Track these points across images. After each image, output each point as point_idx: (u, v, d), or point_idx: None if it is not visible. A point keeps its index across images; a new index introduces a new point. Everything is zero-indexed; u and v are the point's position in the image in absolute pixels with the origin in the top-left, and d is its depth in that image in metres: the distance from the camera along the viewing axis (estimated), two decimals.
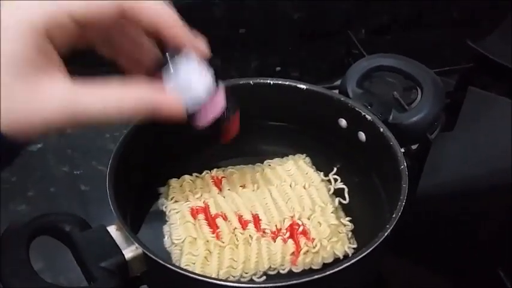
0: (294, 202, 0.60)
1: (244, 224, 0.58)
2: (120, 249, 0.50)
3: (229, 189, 0.62)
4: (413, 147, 0.68)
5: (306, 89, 0.65)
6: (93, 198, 0.69)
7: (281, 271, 0.55)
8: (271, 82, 0.66)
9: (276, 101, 0.67)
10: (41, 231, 0.51)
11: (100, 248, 0.50)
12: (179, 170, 0.64)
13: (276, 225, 0.58)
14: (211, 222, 0.58)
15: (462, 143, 0.73)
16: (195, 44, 0.47)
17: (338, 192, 0.63)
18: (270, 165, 0.65)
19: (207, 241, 0.56)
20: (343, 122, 0.65)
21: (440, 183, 0.69)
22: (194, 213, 0.59)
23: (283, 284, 0.49)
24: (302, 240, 0.57)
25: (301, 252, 0.56)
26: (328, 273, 0.48)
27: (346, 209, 0.61)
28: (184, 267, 0.54)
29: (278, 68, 0.89)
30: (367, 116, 0.62)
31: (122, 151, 0.58)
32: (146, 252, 0.49)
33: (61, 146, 0.77)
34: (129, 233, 0.50)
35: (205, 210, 0.59)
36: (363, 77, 0.68)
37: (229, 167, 0.65)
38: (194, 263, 0.55)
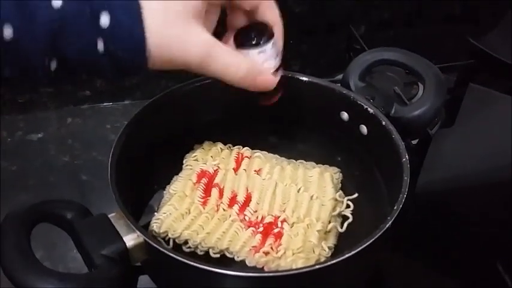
0: (289, 205, 0.60)
1: (231, 203, 0.60)
2: (121, 237, 0.50)
3: (244, 169, 0.63)
4: (413, 142, 0.68)
5: (308, 81, 0.65)
6: (93, 188, 0.69)
7: (236, 258, 0.56)
8: None
9: None
10: (42, 218, 0.51)
11: (101, 236, 0.50)
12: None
13: (257, 217, 0.58)
14: (207, 189, 0.61)
15: (462, 140, 0.74)
16: (278, 26, 0.57)
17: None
18: (299, 165, 0.65)
19: (193, 202, 0.59)
20: (345, 115, 0.65)
21: (440, 179, 0.69)
22: (201, 175, 0.62)
23: (284, 273, 0.49)
24: (270, 240, 0.56)
25: (262, 250, 0.55)
26: (329, 263, 0.48)
27: (343, 236, 0.59)
28: (160, 215, 0.58)
29: None
30: (369, 109, 0.62)
31: (124, 140, 0.58)
32: (147, 240, 0.49)
33: (61, 136, 0.77)
34: (130, 221, 0.50)
35: (211, 177, 0.62)
36: (365, 70, 0.68)
37: (264, 152, 0.66)
38: (171, 214, 0.58)
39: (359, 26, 0.90)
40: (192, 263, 0.48)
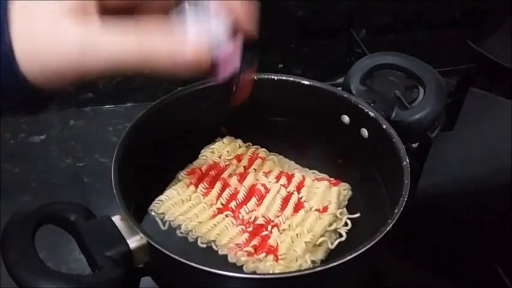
0: (286, 212, 0.59)
1: (230, 199, 0.60)
2: (124, 239, 0.50)
3: (254, 169, 0.64)
4: (414, 145, 0.69)
5: (310, 85, 0.66)
6: (95, 190, 0.69)
7: (219, 252, 0.56)
8: (275, 78, 0.66)
9: (279, 97, 0.67)
10: (46, 219, 0.52)
11: (105, 237, 0.50)
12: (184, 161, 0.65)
13: (250, 217, 0.59)
14: (212, 181, 0.62)
15: (462, 143, 0.74)
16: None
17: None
18: (309, 175, 0.65)
19: (196, 191, 0.61)
20: (346, 119, 0.66)
21: (440, 182, 0.70)
22: (211, 166, 0.63)
23: (286, 275, 0.50)
24: (255, 241, 0.56)
25: (244, 249, 0.55)
26: (331, 265, 0.48)
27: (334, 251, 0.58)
28: (162, 197, 0.60)
29: (281, 65, 0.89)
30: (370, 112, 0.62)
31: (127, 142, 0.58)
32: (151, 241, 0.50)
33: (64, 138, 0.77)
34: (134, 223, 0.51)
35: (220, 170, 0.63)
36: (366, 74, 0.69)
37: (281, 156, 0.67)
38: (172, 198, 0.60)
39: (360, 30, 0.91)
40: (194, 265, 0.48)
